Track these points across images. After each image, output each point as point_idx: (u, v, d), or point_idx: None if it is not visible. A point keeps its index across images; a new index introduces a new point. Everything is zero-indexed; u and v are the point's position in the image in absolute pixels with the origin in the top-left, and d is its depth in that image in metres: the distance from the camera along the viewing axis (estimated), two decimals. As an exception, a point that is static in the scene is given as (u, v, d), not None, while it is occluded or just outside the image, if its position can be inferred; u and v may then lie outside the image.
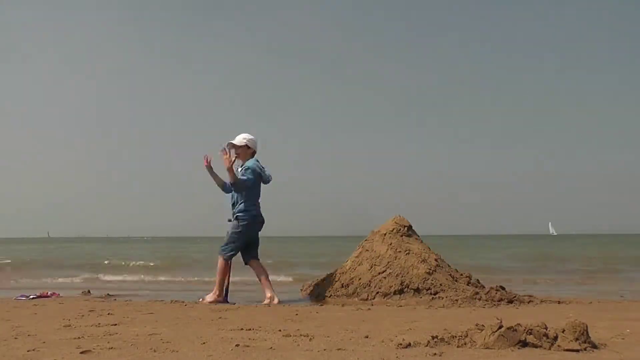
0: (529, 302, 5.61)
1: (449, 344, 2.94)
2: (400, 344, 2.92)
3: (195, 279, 9.78)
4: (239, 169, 5.90)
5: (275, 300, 5.68)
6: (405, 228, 6.77)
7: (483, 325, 3.02)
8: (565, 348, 2.78)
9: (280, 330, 3.53)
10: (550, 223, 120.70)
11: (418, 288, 6.01)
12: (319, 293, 6.53)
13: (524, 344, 2.84)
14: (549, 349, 2.80)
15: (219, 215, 6.26)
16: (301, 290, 7.06)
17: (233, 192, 5.90)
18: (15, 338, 3.26)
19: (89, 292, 6.80)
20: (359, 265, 6.51)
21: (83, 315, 4.39)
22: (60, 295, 6.45)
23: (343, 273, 6.56)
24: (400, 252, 6.40)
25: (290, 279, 9.57)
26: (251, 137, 6.03)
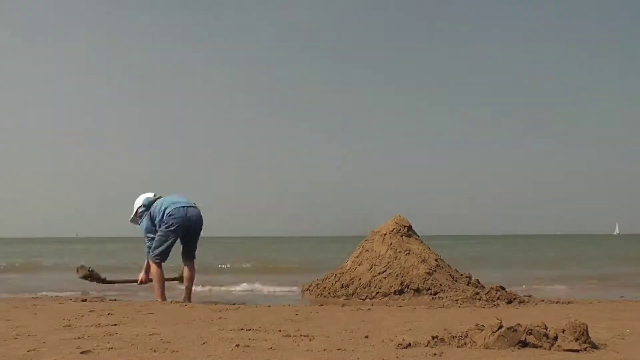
0: (529, 302, 5.61)
1: (449, 344, 2.95)
2: (400, 344, 2.92)
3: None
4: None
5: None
6: (405, 228, 6.77)
7: (483, 326, 3.02)
8: (565, 348, 2.78)
9: (280, 331, 3.53)
10: (617, 224, 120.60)
11: (418, 288, 6.01)
12: (319, 293, 6.53)
13: (524, 344, 2.84)
14: (549, 349, 2.80)
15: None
16: (302, 290, 7.06)
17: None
18: (15, 338, 3.26)
19: (87, 293, 6.80)
20: (359, 265, 6.51)
21: (83, 316, 4.39)
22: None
23: (343, 273, 6.56)
24: (400, 252, 6.40)
25: (290, 279, 9.56)
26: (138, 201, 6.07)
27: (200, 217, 5.98)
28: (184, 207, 5.85)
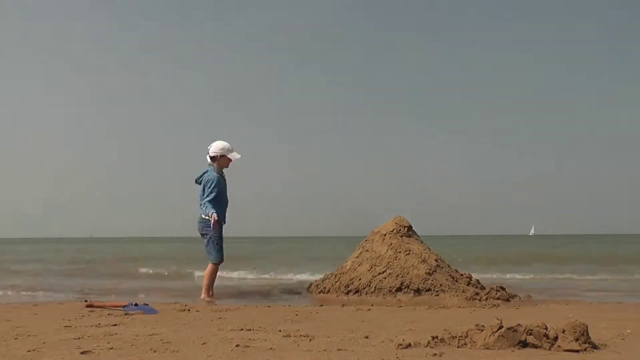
0: (529, 302, 5.61)
1: (449, 344, 2.95)
2: (400, 345, 2.92)
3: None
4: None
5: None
6: (405, 228, 6.76)
7: (483, 326, 3.02)
8: (566, 348, 2.78)
9: (280, 331, 3.53)
10: (533, 225, 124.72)
11: (418, 288, 6.01)
12: (319, 293, 6.53)
13: (524, 344, 2.84)
14: (549, 349, 2.80)
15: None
16: (308, 290, 7.02)
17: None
18: (15, 338, 3.26)
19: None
20: (359, 265, 6.51)
21: (83, 316, 4.39)
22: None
23: (343, 273, 6.56)
24: (400, 252, 6.40)
25: (290, 279, 9.56)
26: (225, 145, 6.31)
27: (200, 221, 6.24)
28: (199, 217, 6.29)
